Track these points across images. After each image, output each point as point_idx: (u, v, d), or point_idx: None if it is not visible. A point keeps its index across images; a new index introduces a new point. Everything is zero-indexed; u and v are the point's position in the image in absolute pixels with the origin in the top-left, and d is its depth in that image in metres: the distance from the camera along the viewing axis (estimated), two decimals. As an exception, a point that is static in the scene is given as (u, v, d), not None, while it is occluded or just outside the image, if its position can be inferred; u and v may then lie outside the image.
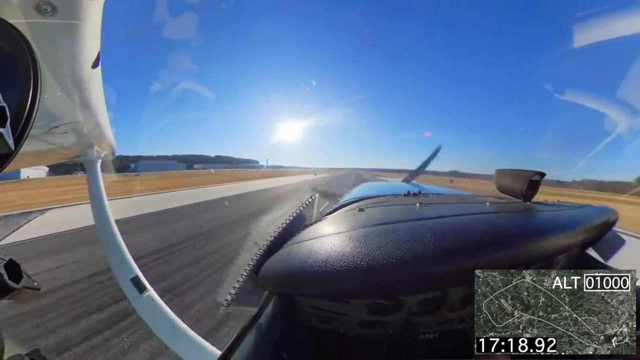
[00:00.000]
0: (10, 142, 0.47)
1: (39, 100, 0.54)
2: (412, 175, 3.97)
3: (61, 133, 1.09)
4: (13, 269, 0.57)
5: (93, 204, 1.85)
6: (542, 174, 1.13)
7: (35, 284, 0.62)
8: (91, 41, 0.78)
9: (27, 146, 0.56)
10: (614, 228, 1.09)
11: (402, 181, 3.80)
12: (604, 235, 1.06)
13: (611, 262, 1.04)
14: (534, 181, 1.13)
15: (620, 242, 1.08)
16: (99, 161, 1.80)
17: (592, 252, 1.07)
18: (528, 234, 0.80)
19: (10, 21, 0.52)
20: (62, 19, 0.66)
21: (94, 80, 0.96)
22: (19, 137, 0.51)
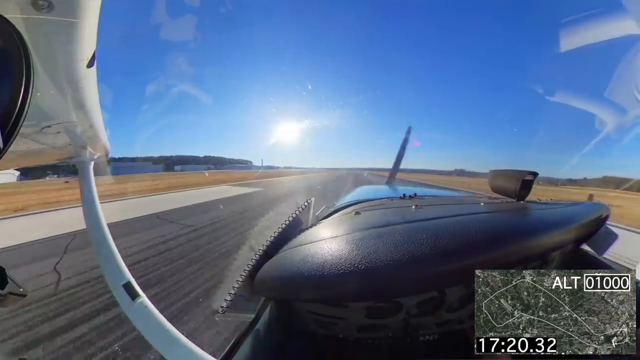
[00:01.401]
0: None
1: (31, 98, 0.53)
2: (393, 171, 3.90)
3: (54, 133, 1.06)
4: None
5: (85, 207, 1.81)
6: (535, 174, 1.15)
7: (21, 289, 0.60)
8: (87, 40, 0.77)
9: (17, 145, 0.55)
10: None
11: (386, 183, 3.77)
12: (597, 231, 1.08)
13: (605, 256, 1.06)
14: (527, 181, 1.16)
15: (614, 237, 1.10)
16: (92, 163, 1.77)
17: (586, 247, 1.10)
18: (522, 232, 0.81)
19: (5, 16, 0.51)
20: (59, 16, 0.64)
21: (89, 80, 0.95)
22: (8, 135, 0.50)
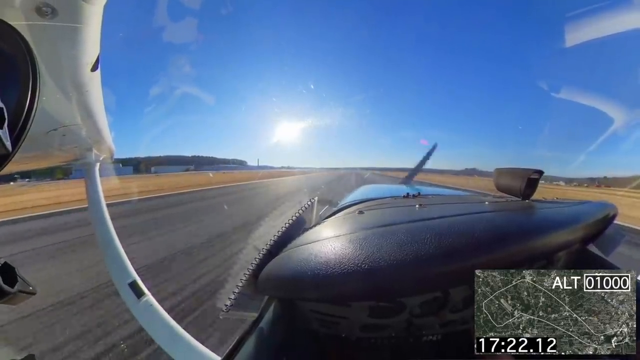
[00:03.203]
0: (8, 143, 0.47)
1: (38, 102, 0.54)
2: (410, 175, 3.96)
3: (59, 136, 1.08)
4: (7, 272, 0.56)
5: (91, 208, 1.84)
6: (541, 172, 1.14)
7: (31, 288, 0.61)
8: (91, 44, 0.79)
9: (25, 148, 0.56)
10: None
11: (400, 183, 3.80)
12: (604, 231, 1.07)
13: (612, 257, 1.04)
14: (532, 179, 1.14)
15: (621, 237, 1.09)
16: (97, 165, 1.80)
17: (593, 248, 1.08)
18: (528, 232, 0.80)
19: (11, 23, 0.52)
20: (62, 22, 0.66)
21: (93, 84, 0.97)
22: (17, 138, 0.51)
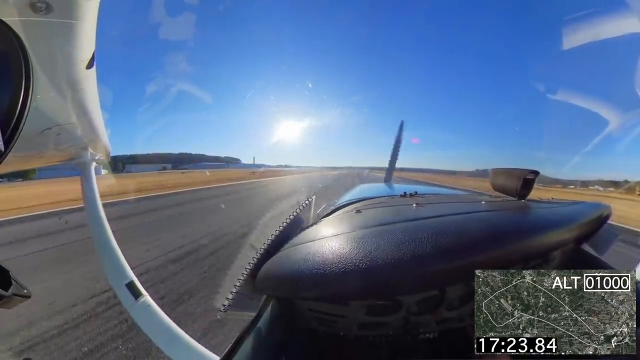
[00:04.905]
0: (0, 143, 0.46)
1: (31, 100, 0.53)
2: (389, 170, 3.88)
3: (54, 135, 1.06)
4: (1, 275, 0.55)
5: (87, 208, 1.82)
6: (536, 172, 1.15)
7: (25, 291, 0.60)
8: (86, 41, 0.77)
9: (19, 148, 0.55)
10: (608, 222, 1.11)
11: (386, 174, 3.74)
12: (598, 231, 1.08)
13: (606, 256, 1.06)
14: (528, 179, 1.16)
15: (614, 237, 1.11)
16: (93, 163, 1.78)
17: (587, 247, 1.10)
18: (523, 231, 0.81)
19: (4, 19, 0.51)
20: (57, 18, 0.64)
21: (89, 81, 0.95)
22: (10, 138, 0.50)
